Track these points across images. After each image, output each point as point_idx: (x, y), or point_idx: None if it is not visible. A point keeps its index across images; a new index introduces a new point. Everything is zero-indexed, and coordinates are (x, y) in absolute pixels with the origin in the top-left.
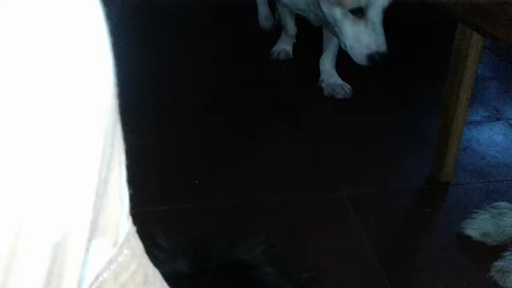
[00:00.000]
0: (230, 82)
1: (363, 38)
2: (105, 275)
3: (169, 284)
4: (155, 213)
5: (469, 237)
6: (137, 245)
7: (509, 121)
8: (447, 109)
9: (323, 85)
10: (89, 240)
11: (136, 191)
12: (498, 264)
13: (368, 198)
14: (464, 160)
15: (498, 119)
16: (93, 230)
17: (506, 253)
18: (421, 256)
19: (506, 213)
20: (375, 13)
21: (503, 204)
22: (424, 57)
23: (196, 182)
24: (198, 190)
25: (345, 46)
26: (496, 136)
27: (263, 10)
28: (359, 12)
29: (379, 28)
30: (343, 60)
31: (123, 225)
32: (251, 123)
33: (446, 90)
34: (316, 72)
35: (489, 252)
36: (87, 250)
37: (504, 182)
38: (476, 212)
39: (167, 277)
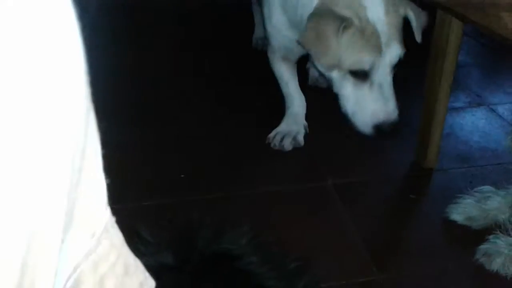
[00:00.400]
0: (212, 73)
1: (367, 105)
2: (83, 266)
3: (153, 277)
4: (139, 209)
5: (454, 222)
6: (117, 236)
7: (491, 106)
8: (429, 96)
9: (310, 73)
10: (65, 230)
11: (119, 187)
12: (483, 247)
13: (354, 186)
14: (447, 146)
15: (480, 105)
16: (69, 220)
17: (491, 236)
18: (408, 242)
19: (489, 196)
20: (382, 74)
21: (486, 188)
22: (407, 44)
23: (182, 176)
24: (183, 184)
25: (346, 111)
26: (478, 121)
27: (259, 30)
28: (361, 75)
29: (388, 91)
30: None
31: (100, 216)
32: (234, 114)
33: (427, 77)
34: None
35: (474, 235)
36: (63, 241)
37: (487, 166)
38: (460, 197)
39: (151, 269)
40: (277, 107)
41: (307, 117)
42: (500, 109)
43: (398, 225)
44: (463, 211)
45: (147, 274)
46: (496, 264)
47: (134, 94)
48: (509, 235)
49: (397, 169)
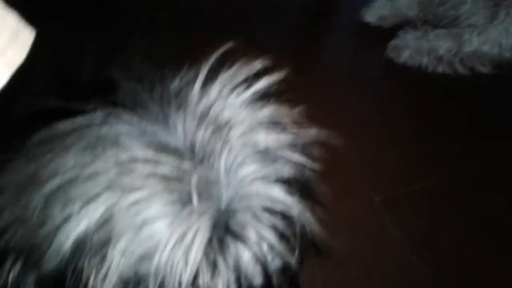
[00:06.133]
0: None
1: None
2: None
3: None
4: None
5: (367, 24)
6: None
7: None
8: None
9: None
10: None
11: None
12: (393, 42)
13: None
14: None
15: None
16: None
17: (400, 32)
18: (325, 49)
19: None
20: None
21: None
22: None
23: None
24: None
25: None
26: None
27: None
28: None
29: None
30: None
31: None
32: None
33: None
34: None
35: (386, 34)
36: None
37: None
38: (373, 1)
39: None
40: None
41: None
42: None
43: (316, 36)
44: (376, 12)
45: (23, 24)
46: (404, 56)
47: None
48: (417, 29)
49: None
